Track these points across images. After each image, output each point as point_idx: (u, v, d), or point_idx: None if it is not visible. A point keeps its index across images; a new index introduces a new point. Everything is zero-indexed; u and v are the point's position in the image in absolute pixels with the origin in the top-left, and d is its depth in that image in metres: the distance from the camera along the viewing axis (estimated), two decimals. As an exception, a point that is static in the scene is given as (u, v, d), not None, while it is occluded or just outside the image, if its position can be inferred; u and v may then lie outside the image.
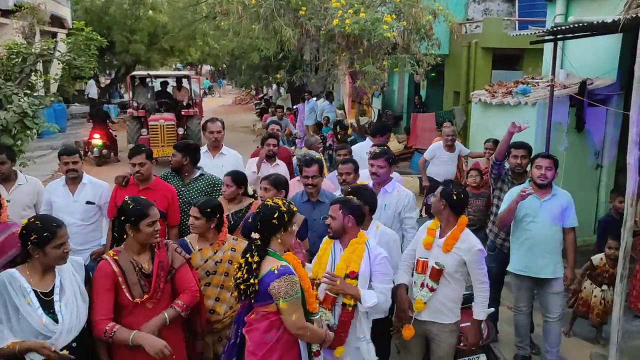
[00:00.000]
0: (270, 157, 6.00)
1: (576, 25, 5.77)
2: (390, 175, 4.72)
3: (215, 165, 5.48)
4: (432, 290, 3.73)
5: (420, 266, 3.79)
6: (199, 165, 5.12)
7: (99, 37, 10.01)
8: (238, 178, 4.53)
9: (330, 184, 5.24)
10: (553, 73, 6.67)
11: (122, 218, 3.18)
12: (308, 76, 13.22)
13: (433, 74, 13.18)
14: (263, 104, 23.97)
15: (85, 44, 9.72)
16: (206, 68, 43.75)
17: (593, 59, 7.13)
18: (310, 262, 3.84)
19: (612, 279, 4.82)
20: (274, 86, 23.43)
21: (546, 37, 6.77)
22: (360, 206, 3.59)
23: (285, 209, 3.13)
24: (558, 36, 6.50)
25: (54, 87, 14.11)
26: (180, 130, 13.31)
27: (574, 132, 7.12)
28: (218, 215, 3.84)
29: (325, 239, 3.71)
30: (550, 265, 4.58)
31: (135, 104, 14.04)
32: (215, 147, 5.78)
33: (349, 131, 12.65)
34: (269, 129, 7.09)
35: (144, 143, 11.43)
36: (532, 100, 7.19)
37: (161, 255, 3.29)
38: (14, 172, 4.94)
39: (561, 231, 4.60)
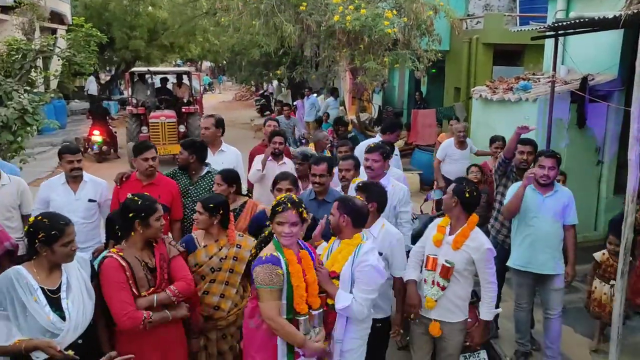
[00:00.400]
0: (276, 155, 5.89)
1: (577, 20, 5.76)
2: (385, 170, 4.73)
3: (214, 162, 5.43)
4: (443, 288, 3.71)
5: (430, 263, 3.78)
6: (206, 162, 5.12)
7: (98, 33, 9.98)
8: (228, 177, 4.48)
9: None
10: (554, 69, 6.65)
11: (131, 215, 3.17)
12: (308, 72, 13.17)
13: (434, 70, 13.15)
14: (263, 100, 23.94)
15: (85, 40, 9.70)
16: (206, 64, 43.73)
17: (594, 55, 7.12)
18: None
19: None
20: (275, 82, 23.39)
21: (547, 33, 6.75)
22: (360, 208, 3.47)
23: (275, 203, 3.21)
24: (559, 32, 6.48)
25: (53, 84, 14.10)
26: (182, 128, 13.08)
27: (575, 128, 7.12)
28: (222, 212, 3.82)
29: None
30: (550, 262, 4.58)
31: (134, 101, 13.79)
32: (209, 143, 5.68)
33: (349, 127, 12.63)
34: (265, 126, 6.98)
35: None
36: (533, 96, 7.18)
37: (161, 248, 3.33)
38: None
39: (562, 228, 4.60)
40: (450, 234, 3.81)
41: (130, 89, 14.32)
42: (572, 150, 7.10)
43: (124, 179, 4.77)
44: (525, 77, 8.27)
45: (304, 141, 12.53)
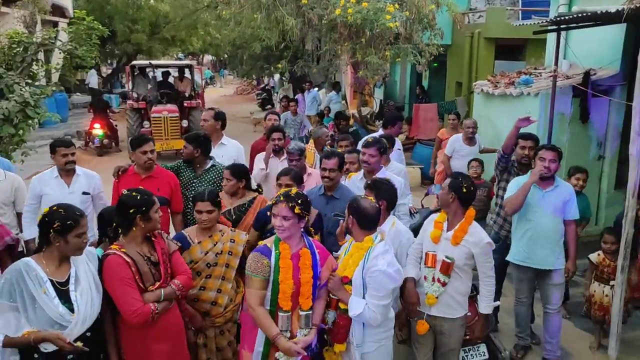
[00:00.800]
0: (277, 152, 5.79)
1: (580, 15, 5.73)
2: (382, 165, 4.72)
3: (214, 155, 5.39)
4: (444, 284, 3.69)
5: (429, 260, 3.75)
6: (210, 155, 5.12)
7: (100, 26, 9.98)
8: (237, 171, 4.44)
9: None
10: (556, 63, 6.64)
11: (132, 211, 3.17)
12: (310, 66, 13.13)
13: (435, 65, 13.12)
14: (265, 94, 23.91)
15: (86, 34, 9.69)
16: (207, 58, 43.64)
17: (596, 49, 7.09)
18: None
19: (615, 272, 4.80)
20: (277, 76, 23.35)
21: (549, 27, 6.73)
22: (364, 209, 3.36)
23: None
24: (561, 26, 6.46)
25: (55, 77, 14.08)
26: (184, 123, 12.88)
27: (576, 123, 7.10)
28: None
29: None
30: (550, 257, 4.58)
31: (135, 95, 13.59)
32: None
33: (351, 122, 12.60)
34: (266, 120, 6.93)
35: (146, 137, 11.27)
36: (535, 90, 7.16)
37: (160, 242, 3.35)
38: None
39: (562, 223, 4.59)
40: (448, 229, 3.79)
41: (130, 83, 14.15)
42: (574, 145, 7.09)
43: (120, 173, 4.77)
44: (527, 71, 8.26)
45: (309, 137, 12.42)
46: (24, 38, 9.01)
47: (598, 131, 7.24)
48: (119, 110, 19.05)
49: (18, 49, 8.69)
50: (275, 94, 23.98)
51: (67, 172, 4.74)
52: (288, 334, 3.16)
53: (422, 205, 7.12)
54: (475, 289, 4.08)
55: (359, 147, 5.74)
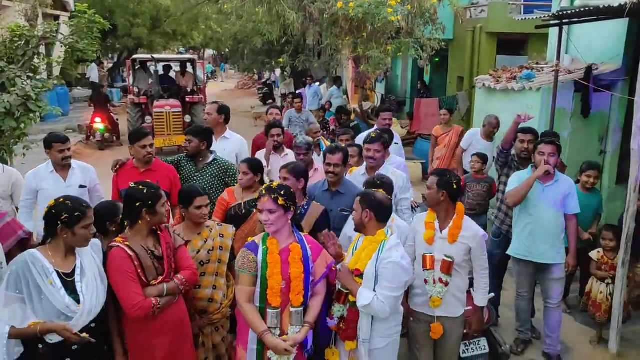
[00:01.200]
0: (277, 148, 5.73)
1: (582, 9, 5.72)
2: (384, 160, 4.71)
3: (216, 148, 5.35)
4: (446, 284, 3.62)
5: (427, 262, 3.64)
6: (211, 149, 5.10)
7: (101, 20, 9.93)
8: (254, 166, 4.40)
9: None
10: (558, 58, 6.63)
11: (138, 204, 3.17)
12: (311, 61, 13.12)
13: (437, 59, 13.11)
14: (266, 88, 23.89)
15: (87, 27, 9.64)
16: (208, 52, 43.57)
17: (598, 44, 7.08)
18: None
19: (614, 270, 4.81)
20: (278, 70, 23.32)
21: (551, 22, 6.72)
22: (382, 201, 3.38)
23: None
24: (563, 21, 6.45)
25: (56, 71, 14.06)
26: (187, 118, 12.65)
27: (578, 118, 7.09)
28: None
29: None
30: (550, 251, 4.58)
31: (136, 90, 13.38)
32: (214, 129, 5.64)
33: (352, 116, 12.59)
34: (268, 114, 6.87)
35: (148, 132, 11.17)
36: (537, 85, 7.15)
37: (166, 237, 3.34)
38: None
39: (563, 217, 4.59)
40: (441, 228, 3.70)
41: (131, 77, 13.95)
42: (575, 140, 7.08)
43: (119, 167, 4.77)
44: (529, 66, 8.24)
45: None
46: (26, 31, 8.97)
47: (600, 126, 7.24)
48: (120, 104, 19.04)
49: (20, 43, 8.66)
50: (277, 89, 23.97)
51: (62, 166, 4.72)
52: (278, 332, 3.11)
53: (424, 199, 7.09)
54: (470, 282, 4.09)
55: (359, 142, 5.73)
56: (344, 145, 5.31)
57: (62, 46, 10.17)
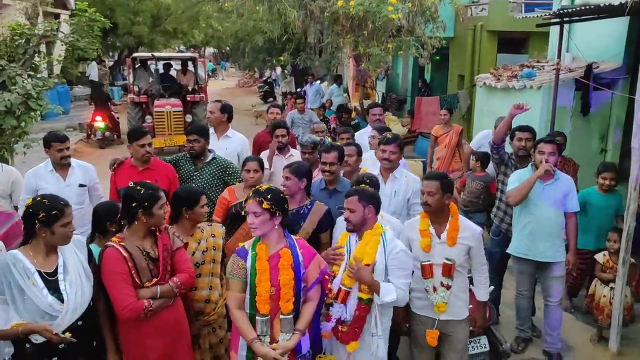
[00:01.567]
0: (281, 149, 5.59)
1: (583, 8, 5.72)
2: (400, 161, 4.64)
3: (218, 147, 5.36)
4: (448, 288, 3.58)
5: (427, 271, 3.59)
6: (209, 148, 5.08)
7: (102, 18, 9.93)
8: (264, 165, 4.44)
9: None
10: (559, 56, 6.63)
11: (134, 204, 3.13)
12: (312, 59, 13.10)
13: (437, 57, 13.10)
14: (267, 87, 23.89)
15: (88, 25, 9.64)
16: (209, 50, 43.56)
17: (599, 43, 7.08)
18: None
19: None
20: (279, 69, 23.32)
21: (552, 20, 6.72)
22: (375, 194, 3.44)
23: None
24: (564, 19, 6.45)
25: (57, 69, 14.06)
26: (188, 118, 12.45)
27: (578, 116, 7.09)
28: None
29: (342, 232, 3.58)
30: (551, 250, 4.58)
31: (136, 89, 13.19)
32: (214, 128, 5.62)
33: (353, 114, 12.59)
34: (268, 113, 6.82)
35: (148, 132, 11.07)
36: (538, 84, 7.15)
37: (164, 238, 3.29)
38: None
39: (563, 215, 4.59)
40: (437, 233, 3.65)
41: (131, 76, 13.79)
42: (576, 138, 7.08)
43: (116, 165, 4.76)
44: (530, 64, 8.25)
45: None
46: (26, 30, 8.97)
47: (600, 124, 7.24)
48: (121, 103, 19.04)
49: (20, 41, 8.66)
50: (277, 87, 23.98)
51: (62, 165, 4.71)
52: (267, 339, 3.06)
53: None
54: (469, 280, 4.08)
55: (358, 140, 5.71)
56: (344, 143, 5.29)
57: (62, 44, 10.16)
